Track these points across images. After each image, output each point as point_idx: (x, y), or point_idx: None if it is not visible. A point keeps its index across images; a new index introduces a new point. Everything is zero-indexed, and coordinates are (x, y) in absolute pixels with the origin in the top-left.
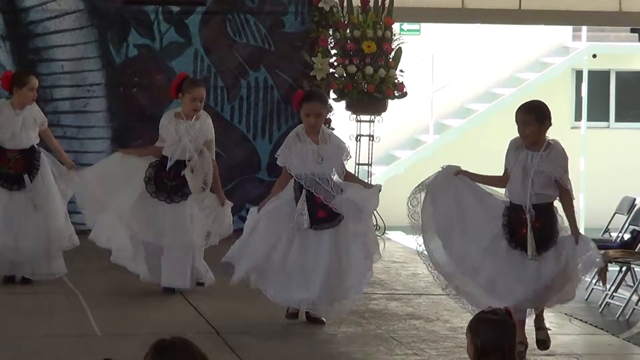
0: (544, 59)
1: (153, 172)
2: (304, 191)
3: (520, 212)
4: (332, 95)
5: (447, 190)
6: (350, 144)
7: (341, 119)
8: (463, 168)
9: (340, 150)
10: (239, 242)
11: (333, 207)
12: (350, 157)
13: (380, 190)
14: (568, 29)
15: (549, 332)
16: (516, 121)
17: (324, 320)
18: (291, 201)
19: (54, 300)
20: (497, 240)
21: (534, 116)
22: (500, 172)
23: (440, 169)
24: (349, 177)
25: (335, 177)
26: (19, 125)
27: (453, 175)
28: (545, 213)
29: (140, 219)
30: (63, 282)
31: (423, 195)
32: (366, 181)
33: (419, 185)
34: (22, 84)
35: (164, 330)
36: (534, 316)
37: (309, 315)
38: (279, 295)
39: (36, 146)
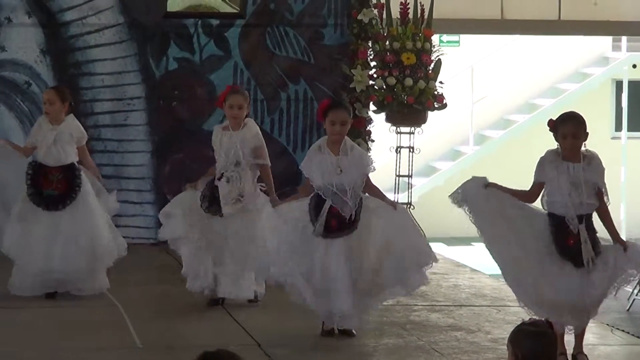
0: (583, 70)
1: (207, 190)
2: (327, 202)
3: (565, 223)
4: (372, 107)
5: (488, 203)
6: (391, 156)
7: (381, 130)
8: (499, 180)
9: (362, 161)
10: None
11: (349, 217)
12: (374, 169)
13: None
14: (608, 39)
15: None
16: (563, 134)
17: (354, 332)
18: (307, 211)
19: (96, 313)
20: (546, 252)
21: (583, 128)
22: None
23: (469, 181)
24: (370, 189)
25: (355, 188)
26: (52, 139)
27: (483, 188)
28: (589, 222)
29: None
30: (105, 295)
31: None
32: (388, 197)
33: (453, 198)
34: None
35: (205, 342)
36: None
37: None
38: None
39: (76, 164)
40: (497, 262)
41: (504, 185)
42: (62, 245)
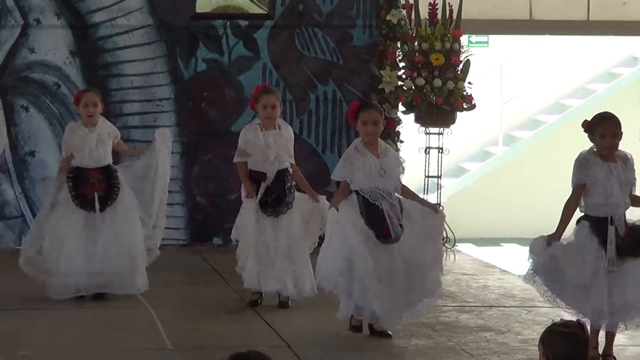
0: (613, 70)
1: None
2: (384, 206)
3: (606, 225)
4: (401, 107)
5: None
6: (420, 157)
7: (410, 131)
8: (521, 180)
9: (398, 163)
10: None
11: (395, 228)
12: (404, 169)
13: (444, 219)
14: (637, 39)
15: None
16: (602, 133)
17: (391, 333)
18: (359, 215)
19: (126, 314)
20: (597, 260)
21: (620, 127)
22: (567, 181)
23: (533, 246)
24: (405, 191)
25: (396, 190)
26: (94, 141)
27: (547, 249)
28: (626, 222)
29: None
30: (135, 296)
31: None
32: (423, 198)
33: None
34: (79, 100)
35: (235, 343)
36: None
37: (372, 329)
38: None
39: (112, 164)
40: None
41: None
42: (103, 247)
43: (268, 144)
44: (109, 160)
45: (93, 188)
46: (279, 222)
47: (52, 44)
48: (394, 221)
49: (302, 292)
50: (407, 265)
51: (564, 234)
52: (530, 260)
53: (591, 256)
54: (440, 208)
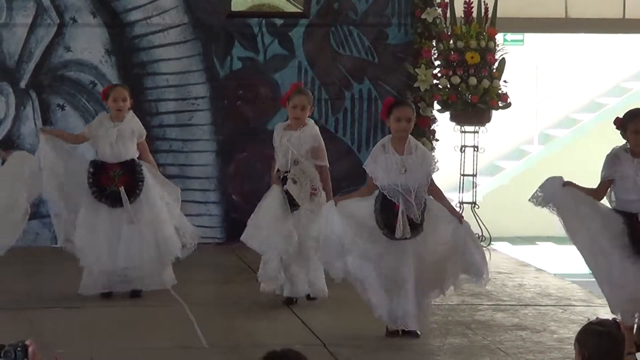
0: None
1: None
2: (401, 205)
3: (637, 221)
4: (436, 106)
5: (569, 201)
6: (455, 155)
7: (445, 130)
8: (567, 179)
9: (426, 161)
10: (327, 240)
11: (414, 218)
12: (438, 168)
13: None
14: None
15: None
16: (635, 129)
17: (419, 333)
18: (372, 213)
19: (160, 312)
20: (622, 249)
21: None
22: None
23: (546, 181)
24: (433, 191)
25: (420, 188)
26: (114, 136)
27: (562, 187)
28: None
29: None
30: (169, 294)
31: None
32: (450, 204)
33: (535, 200)
34: (107, 95)
35: (270, 342)
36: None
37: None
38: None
39: (137, 159)
40: (584, 257)
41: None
42: (127, 242)
43: (283, 143)
44: (131, 155)
45: (112, 182)
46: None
47: (88, 43)
48: (406, 220)
49: (316, 289)
50: (419, 264)
51: None
52: (540, 192)
53: (616, 242)
54: (476, 207)
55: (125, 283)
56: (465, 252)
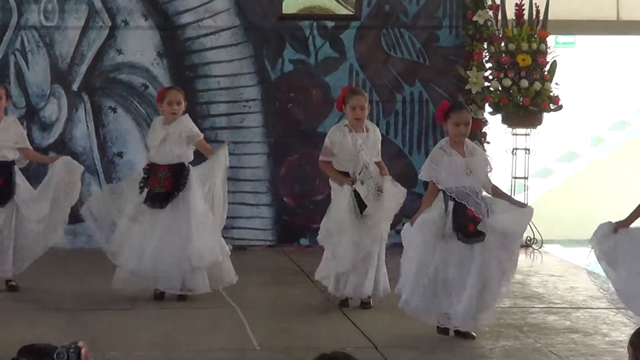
0: None
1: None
2: (450, 204)
3: None
4: (488, 108)
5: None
6: (507, 158)
7: (497, 132)
8: (618, 185)
9: (485, 162)
10: (405, 259)
11: (480, 225)
12: (493, 169)
13: (531, 216)
14: None
15: None
16: None
17: (474, 334)
18: (443, 215)
19: (212, 314)
20: None
21: None
22: None
23: (598, 230)
24: (495, 191)
25: (484, 189)
26: (161, 138)
27: (613, 234)
28: None
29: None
30: (222, 296)
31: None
32: (513, 197)
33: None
34: (162, 98)
35: (322, 344)
36: None
37: (458, 330)
38: (429, 309)
39: (186, 164)
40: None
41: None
42: (159, 243)
43: (357, 146)
44: (179, 158)
45: (158, 184)
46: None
47: (140, 45)
48: (479, 220)
49: (379, 291)
50: (485, 266)
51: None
52: (592, 246)
53: None
54: None
55: (154, 283)
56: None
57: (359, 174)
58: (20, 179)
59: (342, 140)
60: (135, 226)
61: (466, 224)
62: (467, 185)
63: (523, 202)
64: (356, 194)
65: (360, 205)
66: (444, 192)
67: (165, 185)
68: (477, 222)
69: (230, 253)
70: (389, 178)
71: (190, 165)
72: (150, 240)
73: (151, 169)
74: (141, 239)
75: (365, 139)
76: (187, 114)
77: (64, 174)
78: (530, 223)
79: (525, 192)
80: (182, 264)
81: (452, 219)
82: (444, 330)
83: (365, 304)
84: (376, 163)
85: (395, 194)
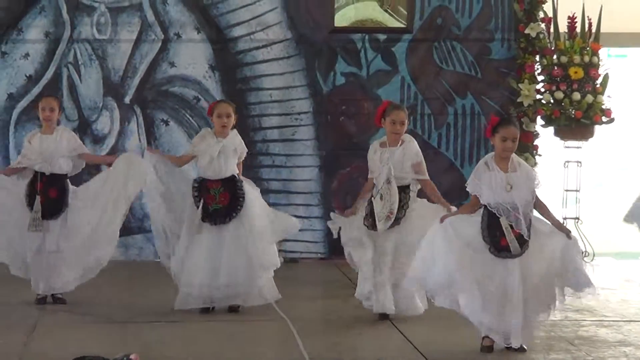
0: None
1: (368, 207)
2: (488, 218)
3: None
4: (540, 121)
5: None
6: (559, 170)
7: (549, 145)
8: None
9: (530, 178)
10: (423, 259)
11: (523, 234)
12: (541, 185)
13: (578, 246)
14: None
15: None
16: None
17: (525, 348)
18: (479, 231)
19: (263, 327)
20: None
21: None
22: None
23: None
24: (539, 206)
25: (526, 205)
26: (217, 151)
27: None
28: None
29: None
30: (272, 309)
31: None
32: (557, 219)
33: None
34: (213, 111)
35: (372, 356)
36: None
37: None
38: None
39: (237, 175)
40: None
41: None
42: (227, 259)
43: (383, 161)
44: (232, 172)
45: (213, 200)
46: (392, 234)
47: (192, 58)
48: (514, 237)
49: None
50: (526, 281)
51: None
52: None
53: None
54: (579, 222)
55: (225, 299)
56: (574, 267)
57: (380, 188)
58: (72, 192)
59: (372, 156)
60: (198, 245)
61: (499, 238)
62: (508, 201)
63: (565, 227)
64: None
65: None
66: (485, 206)
67: (222, 200)
68: (511, 238)
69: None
70: (423, 201)
71: (240, 175)
72: (217, 258)
73: (202, 185)
74: (207, 257)
75: (392, 153)
76: (235, 129)
77: (126, 169)
78: (582, 236)
79: (577, 204)
80: (251, 277)
81: (487, 232)
82: (489, 348)
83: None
84: (420, 182)
85: (428, 214)
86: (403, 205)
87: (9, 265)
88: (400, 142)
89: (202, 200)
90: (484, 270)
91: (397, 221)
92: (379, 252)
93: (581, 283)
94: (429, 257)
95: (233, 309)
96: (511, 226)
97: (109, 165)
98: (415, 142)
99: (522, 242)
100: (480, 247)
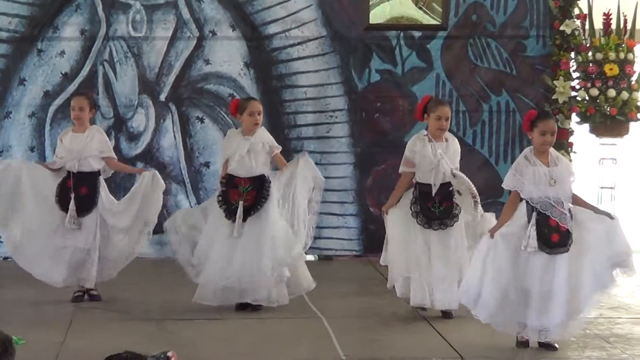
0: None
1: (418, 204)
2: (534, 214)
3: None
4: (575, 118)
5: None
6: (594, 167)
7: (584, 142)
8: None
9: (569, 172)
10: (475, 269)
11: (569, 228)
12: (576, 179)
13: (619, 226)
14: None
15: None
16: None
17: (557, 346)
18: (524, 225)
19: (298, 324)
20: None
21: None
22: None
23: None
24: (577, 200)
25: (569, 199)
26: (246, 149)
27: None
28: None
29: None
30: (307, 306)
31: None
32: (595, 206)
33: None
34: (243, 109)
35: (408, 354)
36: None
37: (541, 342)
38: (508, 321)
39: (266, 175)
40: None
41: None
42: (241, 255)
43: (437, 155)
44: (262, 170)
45: (240, 197)
46: (446, 234)
47: (227, 56)
48: (564, 230)
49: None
50: (571, 277)
51: None
52: None
53: None
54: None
55: (237, 296)
56: (619, 244)
57: (455, 185)
58: (104, 190)
59: (422, 150)
60: (217, 240)
61: (549, 235)
62: (551, 196)
63: (608, 211)
64: (422, 202)
65: (429, 218)
66: (527, 202)
67: (247, 199)
68: (561, 232)
69: (305, 258)
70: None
71: (268, 176)
72: (234, 253)
73: (230, 181)
74: (224, 253)
75: (445, 148)
76: (263, 126)
77: (149, 187)
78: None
79: (612, 202)
80: (266, 274)
81: (535, 229)
82: (523, 344)
83: (445, 313)
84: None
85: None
86: (454, 206)
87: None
88: (445, 139)
89: (225, 196)
90: (530, 268)
91: (454, 217)
92: (421, 248)
93: (624, 263)
94: (478, 276)
95: (254, 307)
96: (557, 223)
97: (135, 172)
98: (456, 139)
99: (569, 236)
100: (532, 245)
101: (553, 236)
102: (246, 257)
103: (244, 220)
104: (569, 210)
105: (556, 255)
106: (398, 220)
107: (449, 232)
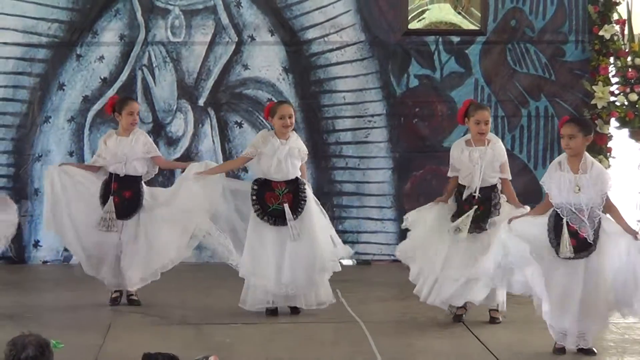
0: None
1: (455, 205)
2: (564, 221)
3: None
4: (614, 123)
5: None
6: (634, 173)
7: (622, 147)
8: None
9: (600, 180)
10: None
11: (588, 238)
12: (612, 187)
13: None
14: None
15: None
16: None
17: (595, 350)
18: (546, 231)
19: (336, 328)
20: None
21: None
22: None
23: None
24: (610, 209)
25: (594, 208)
26: (284, 153)
27: None
28: None
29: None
30: (345, 311)
31: None
32: (626, 221)
33: None
34: (274, 112)
35: (446, 358)
36: None
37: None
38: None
39: (300, 177)
40: None
41: None
42: (289, 260)
43: (473, 160)
44: (296, 174)
45: (276, 200)
46: (478, 238)
47: (266, 61)
48: (567, 238)
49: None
50: (592, 283)
51: None
52: None
53: None
54: None
55: (285, 300)
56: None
57: (475, 188)
58: (148, 194)
59: (460, 155)
60: (262, 245)
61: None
62: (573, 203)
63: (635, 231)
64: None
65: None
66: (554, 207)
67: (284, 201)
68: (579, 238)
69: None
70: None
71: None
72: (281, 258)
73: (265, 185)
74: (271, 257)
75: (483, 153)
76: (294, 131)
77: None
78: None
79: None
80: (314, 277)
81: (554, 234)
82: (560, 350)
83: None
84: (502, 180)
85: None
86: (495, 205)
87: (82, 265)
88: (487, 142)
89: (260, 200)
90: (549, 269)
91: (492, 224)
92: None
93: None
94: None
95: (294, 311)
96: (576, 230)
97: (182, 170)
98: (501, 142)
99: (587, 245)
100: (544, 248)
101: (571, 242)
102: (297, 261)
103: (284, 224)
104: (598, 220)
105: (571, 260)
106: (427, 221)
107: (483, 235)
